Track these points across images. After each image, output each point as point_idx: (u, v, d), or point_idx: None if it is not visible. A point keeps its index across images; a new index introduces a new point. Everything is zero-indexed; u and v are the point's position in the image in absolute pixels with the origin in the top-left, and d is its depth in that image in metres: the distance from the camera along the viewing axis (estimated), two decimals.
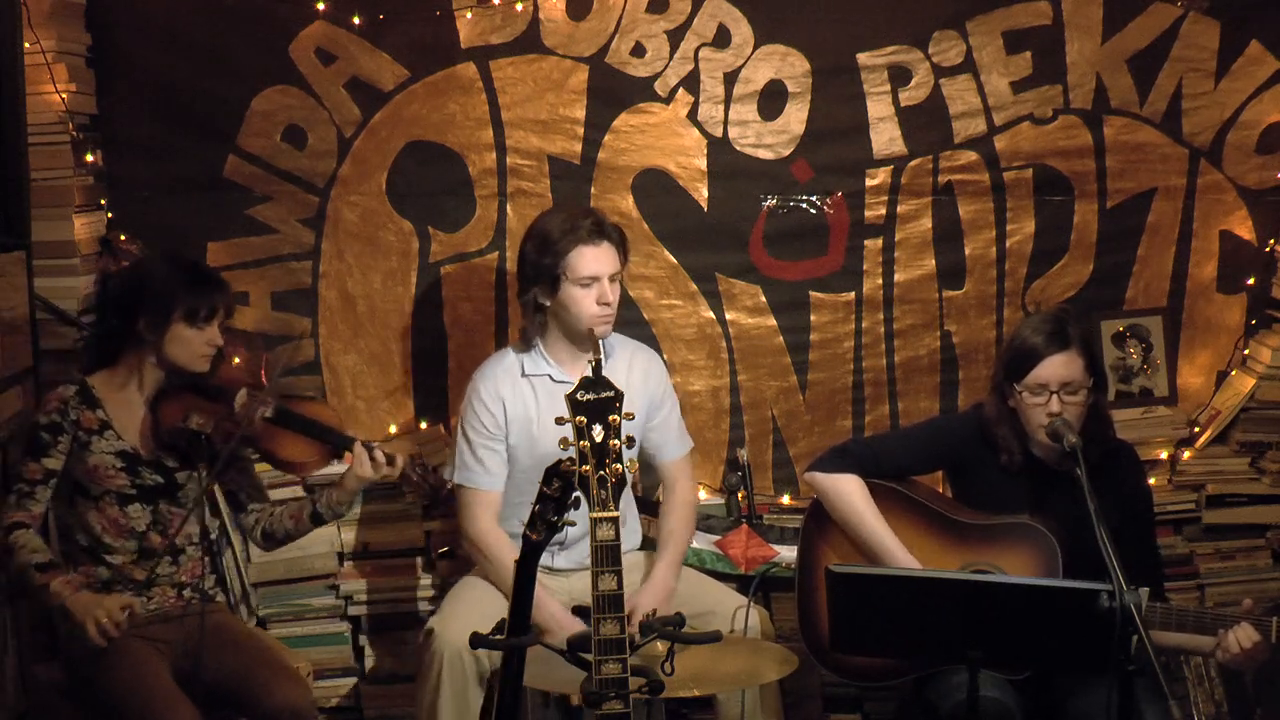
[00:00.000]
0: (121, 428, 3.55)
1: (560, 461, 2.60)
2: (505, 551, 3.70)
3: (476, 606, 3.61)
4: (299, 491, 4.03)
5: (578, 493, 2.59)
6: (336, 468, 3.75)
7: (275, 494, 3.91)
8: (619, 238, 3.72)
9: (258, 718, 3.45)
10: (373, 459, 3.56)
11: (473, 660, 3.56)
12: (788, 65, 4.24)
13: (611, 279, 3.67)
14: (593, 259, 3.64)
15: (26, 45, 3.80)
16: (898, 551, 3.51)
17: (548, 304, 3.70)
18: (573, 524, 2.64)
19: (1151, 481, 3.95)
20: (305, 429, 3.62)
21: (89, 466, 3.51)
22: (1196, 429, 4.37)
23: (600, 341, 3.66)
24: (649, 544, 3.97)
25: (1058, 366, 3.40)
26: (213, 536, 4.03)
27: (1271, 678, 3.99)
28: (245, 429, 3.52)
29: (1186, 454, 4.32)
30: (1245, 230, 4.38)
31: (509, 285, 4.28)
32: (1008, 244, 4.35)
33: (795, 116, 4.26)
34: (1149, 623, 3.08)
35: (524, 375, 3.77)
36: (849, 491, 3.58)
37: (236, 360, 4.12)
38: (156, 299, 3.50)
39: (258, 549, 3.90)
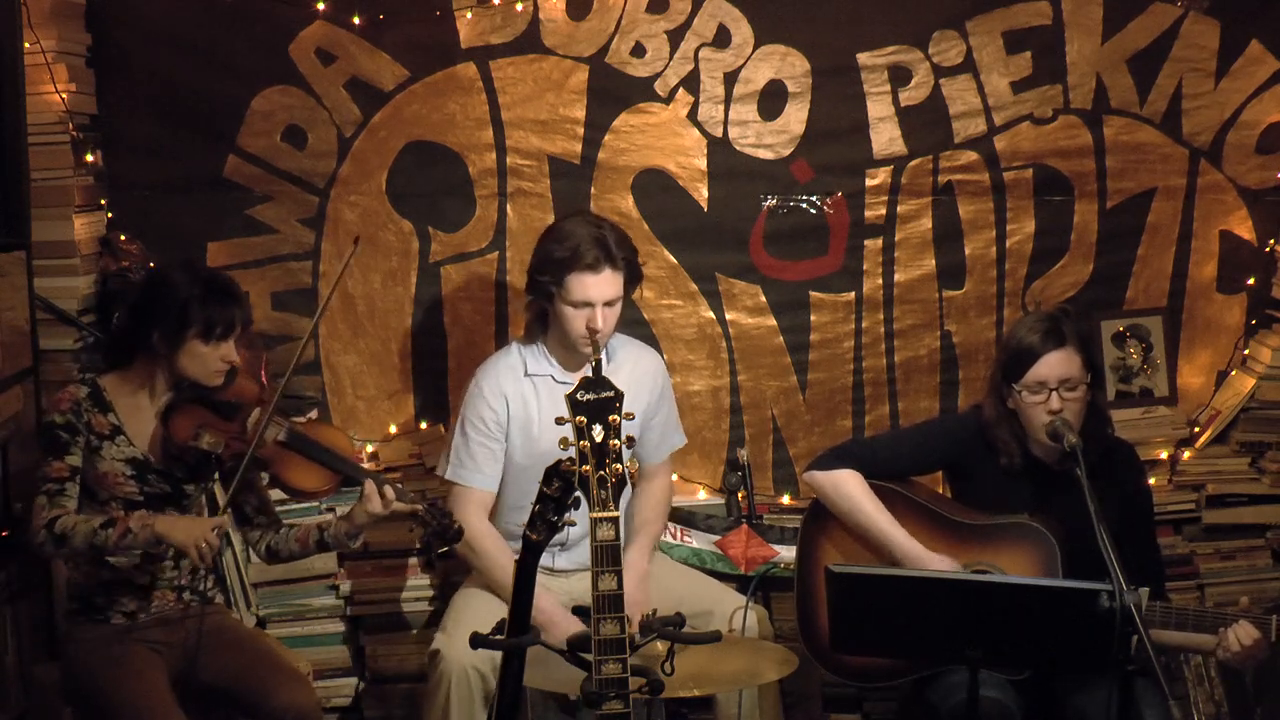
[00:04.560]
0: (133, 434, 3.51)
1: (560, 461, 2.60)
2: (496, 548, 3.71)
3: (480, 622, 3.58)
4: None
5: (578, 493, 2.60)
6: None
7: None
8: (625, 264, 3.66)
9: (260, 719, 3.45)
10: (383, 496, 3.48)
11: (479, 680, 3.56)
12: (788, 65, 4.24)
13: (609, 304, 3.64)
14: (590, 286, 3.60)
15: (26, 45, 3.81)
16: (901, 539, 3.50)
17: (548, 309, 3.71)
18: (573, 524, 2.65)
19: (1151, 481, 3.95)
20: (318, 456, 3.56)
21: (99, 473, 3.47)
22: (1196, 429, 4.37)
23: (606, 339, 3.67)
24: None
25: (1055, 363, 3.40)
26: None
27: (1272, 677, 4.00)
28: (256, 451, 3.46)
29: (1186, 454, 4.32)
30: (1245, 230, 4.38)
31: (509, 285, 4.28)
32: (1008, 244, 4.35)
33: (795, 116, 4.26)
34: (1149, 622, 3.08)
35: (526, 374, 3.77)
36: (848, 485, 3.58)
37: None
38: (172, 314, 3.42)
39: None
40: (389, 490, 3.49)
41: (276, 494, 3.74)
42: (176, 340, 3.44)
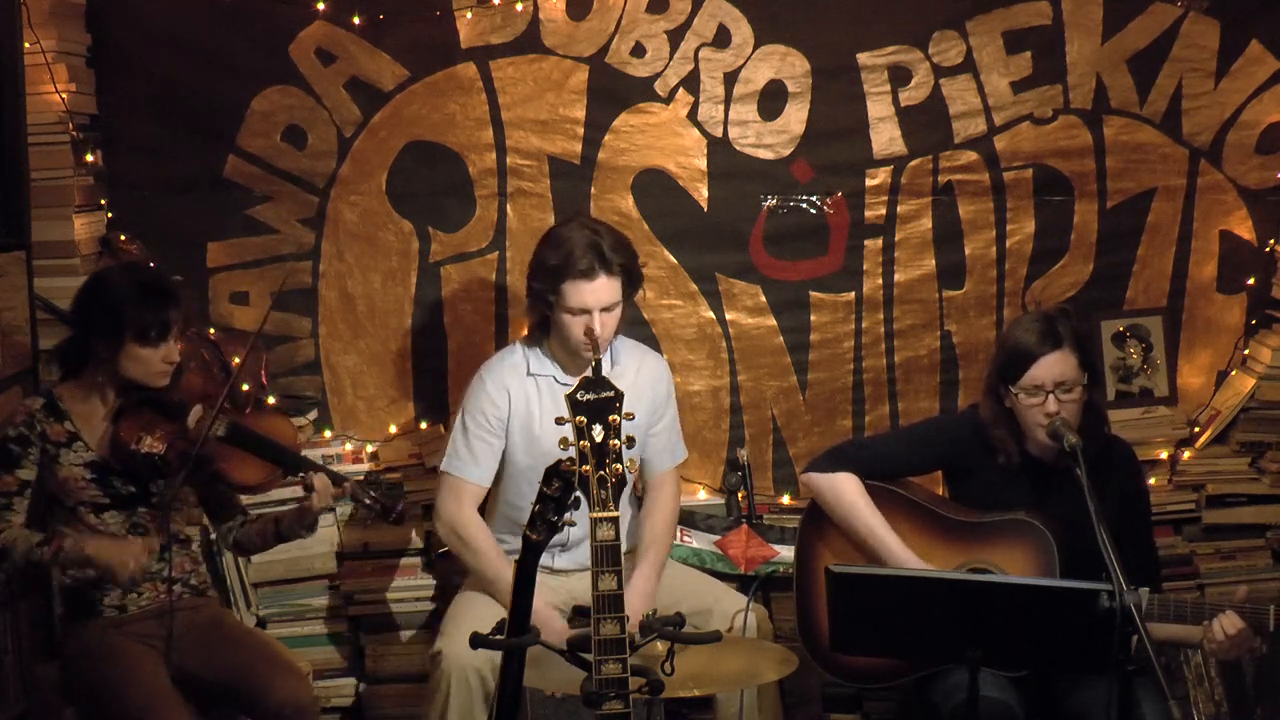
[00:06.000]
0: (90, 439, 3.50)
1: (560, 461, 2.60)
2: (482, 537, 3.71)
3: (481, 623, 3.57)
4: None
5: (578, 493, 2.59)
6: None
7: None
8: (621, 269, 3.63)
9: (259, 714, 3.45)
10: (318, 487, 3.51)
11: (479, 682, 3.56)
12: (788, 65, 4.24)
13: (607, 309, 3.62)
14: (586, 293, 3.59)
15: (26, 45, 3.82)
16: (897, 549, 3.50)
17: (549, 314, 3.71)
18: (573, 524, 2.64)
19: (1151, 481, 3.95)
20: (258, 448, 3.55)
21: (60, 479, 3.48)
22: (1196, 429, 4.36)
23: (607, 344, 3.66)
24: None
25: (1052, 366, 3.40)
26: (212, 536, 4.03)
27: (1272, 677, 3.99)
28: (199, 449, 3.45)
29: (1186, 454, 4.32)
30: (1245, 230, 4.38)
31: (509, 285, 4.28)
32: (1008, 244, 4.35)
33: (795, 116, 4.26)
34: (1146, 615, 3.08)
35: (529, 374, 3.76)
36: (846, 490, 3.58)
37: (236, 360, 4.12)
38: (107, 319, 3.41)
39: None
40: (323, 478, 3.52)
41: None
42: (115, 344, 3.42)
